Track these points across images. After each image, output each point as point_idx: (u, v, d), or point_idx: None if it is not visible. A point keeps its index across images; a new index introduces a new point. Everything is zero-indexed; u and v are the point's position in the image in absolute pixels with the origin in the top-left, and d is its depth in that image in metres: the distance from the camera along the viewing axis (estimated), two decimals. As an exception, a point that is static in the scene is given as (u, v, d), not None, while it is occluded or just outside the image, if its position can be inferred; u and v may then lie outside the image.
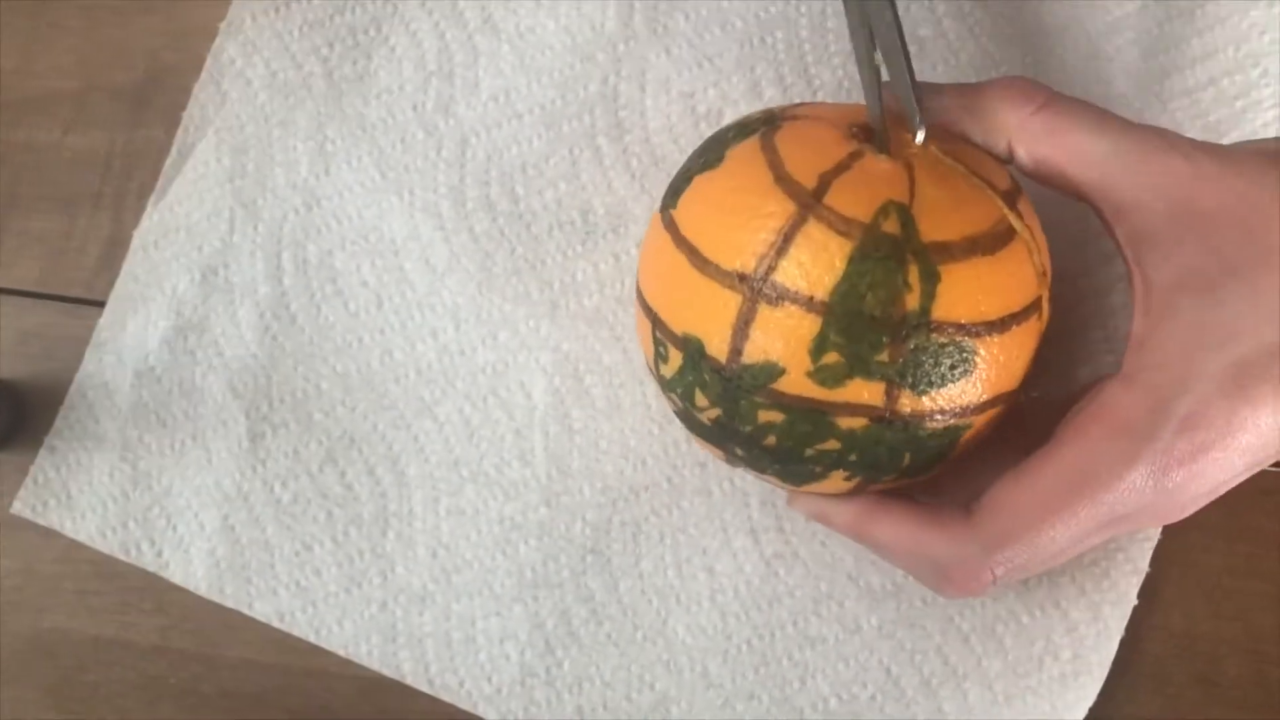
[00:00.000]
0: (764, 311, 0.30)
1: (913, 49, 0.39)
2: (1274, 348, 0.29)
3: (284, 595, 0.39)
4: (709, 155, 0.33)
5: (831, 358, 0.29)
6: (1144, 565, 0.37)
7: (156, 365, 0.40)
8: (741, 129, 0.33)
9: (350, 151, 0.41)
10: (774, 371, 0.30)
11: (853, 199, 0.30)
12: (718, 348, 0.30)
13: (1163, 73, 0.39)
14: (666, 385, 0.33)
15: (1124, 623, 0.37)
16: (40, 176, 0.42)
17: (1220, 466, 0.30)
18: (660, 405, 0.39)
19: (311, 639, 0.39)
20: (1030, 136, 0.32)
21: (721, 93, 0.40)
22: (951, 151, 0.32)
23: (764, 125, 0.33)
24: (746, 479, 0.39)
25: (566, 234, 0.40)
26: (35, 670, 0.40)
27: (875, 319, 0.29)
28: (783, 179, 0.31)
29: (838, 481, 0.32)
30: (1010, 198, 0.32)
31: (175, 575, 0.40)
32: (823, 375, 0.30)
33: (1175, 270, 0.30)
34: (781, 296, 0.30)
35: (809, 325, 0.29)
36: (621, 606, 0.39)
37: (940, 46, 0.40)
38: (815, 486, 0.33)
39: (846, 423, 0.30)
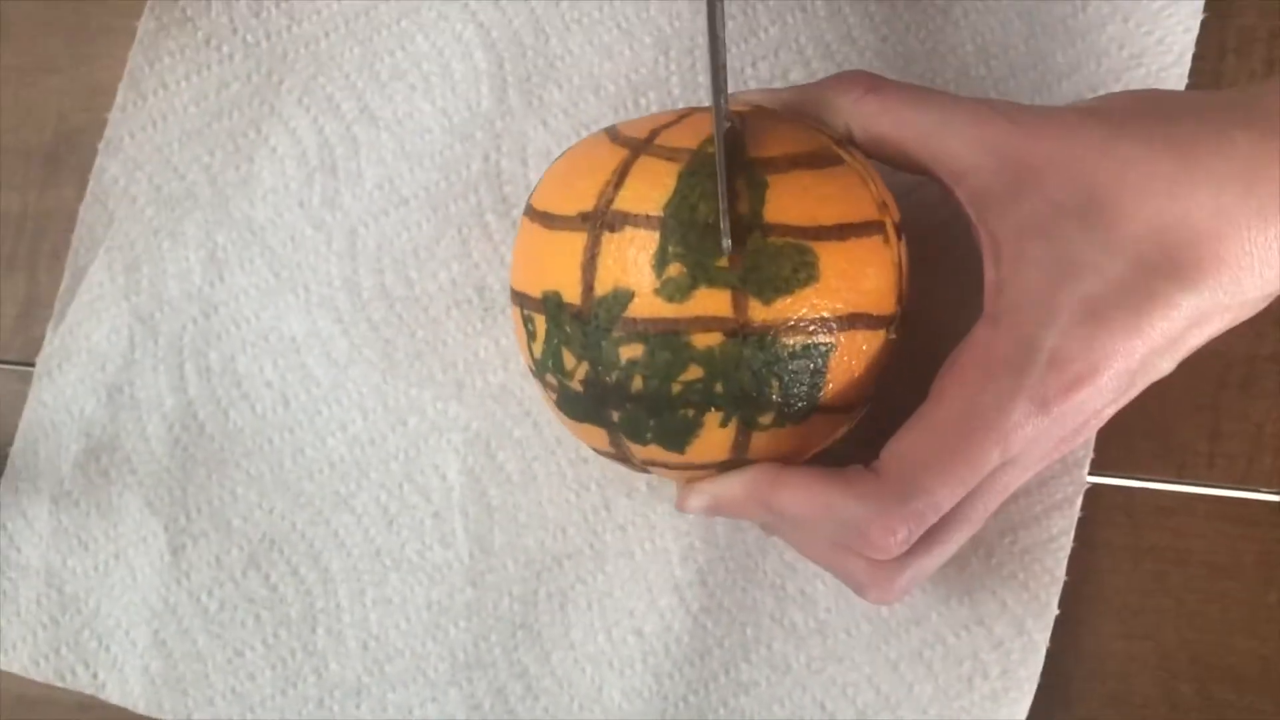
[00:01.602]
0: (606, 240, 0.31)
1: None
2: (1118, 278, 0.30)
3: (221, 704, 0.39)
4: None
5: (674, 269, 0.30)
6: (1061, 574, 0.37)
7: (73, 489, 0.40)
8: None
9: (242, 255, 0.41)
10: (624, 297, 0.31)
11: (681, 136, 0.32)
12: (571, 292, 0.31)
13: (1041, 85, 0.40)
14: (538, 367, 0.33)
15: (1048, 633, 0.37)
16: None
17: (1098, 394, 0.31)
18: (576, 473, 0.39)
19: (253, 745, 0.39)
20: (864, 117, 0.33)
21: (601, 157, 0.41)
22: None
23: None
24: (666, 537, 0.39)
25: (465, 313, 0.40)
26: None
27: (709, 226, 0.30)
28: (618, 138, 0.33)
29: (715, 432, 0.32)
30: (839, 143, 0.33)
31: (112, 696, 0.40)
32: (669, 290, 0.30)
33: (1016, 221, 0.31)
34: (621, 222, 0.31)
35: (649, 242, 0.31)
36: (556, 679, 0.39)
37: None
38: (696, 446, 0.33)
39: (702, 340, 0.31)
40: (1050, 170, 0.31)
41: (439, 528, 0.40)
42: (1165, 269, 0.30)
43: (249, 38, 0.42)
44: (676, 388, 0.31)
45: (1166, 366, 0.32)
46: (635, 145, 0.32)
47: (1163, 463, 0.38)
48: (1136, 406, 0.33)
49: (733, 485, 0.34)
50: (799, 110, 0.35)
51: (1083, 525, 0.37)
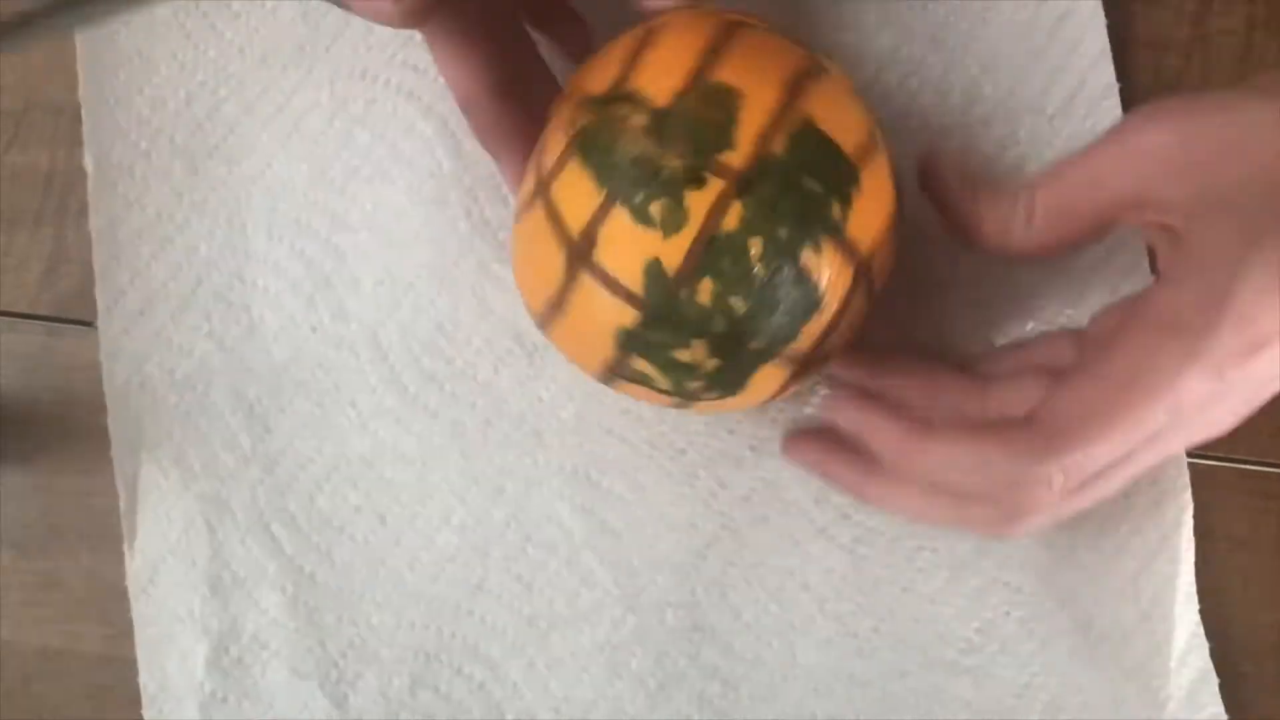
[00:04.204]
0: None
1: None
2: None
3: (446, 827, 0.39)
4: None
5: None
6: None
7: (216, 689, 0.40)
8: None
9: (278, 401, 0.41)
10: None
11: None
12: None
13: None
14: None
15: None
16: None
17: (1274, 362, 0.30)
18: (679, 467, 0.39)
19: None
20: (1036, 234, 0.33)
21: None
22: None
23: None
24: (792, 491, 0.39)
25: (512, 365, 0.40)
26: (-16, 686, 0.40)
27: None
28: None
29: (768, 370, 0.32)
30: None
31: None
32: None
33: (1195, 189, 0.31)
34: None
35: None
36: (747, 663, 0.39)
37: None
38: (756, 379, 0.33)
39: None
40: (1226, 150, 0.31)
41: (576, 572, 0.39)
42: None
43: (195, 197, 0.41)
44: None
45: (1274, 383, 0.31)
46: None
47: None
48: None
49: (885, 430, 0.34)
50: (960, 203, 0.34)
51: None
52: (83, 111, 0.41)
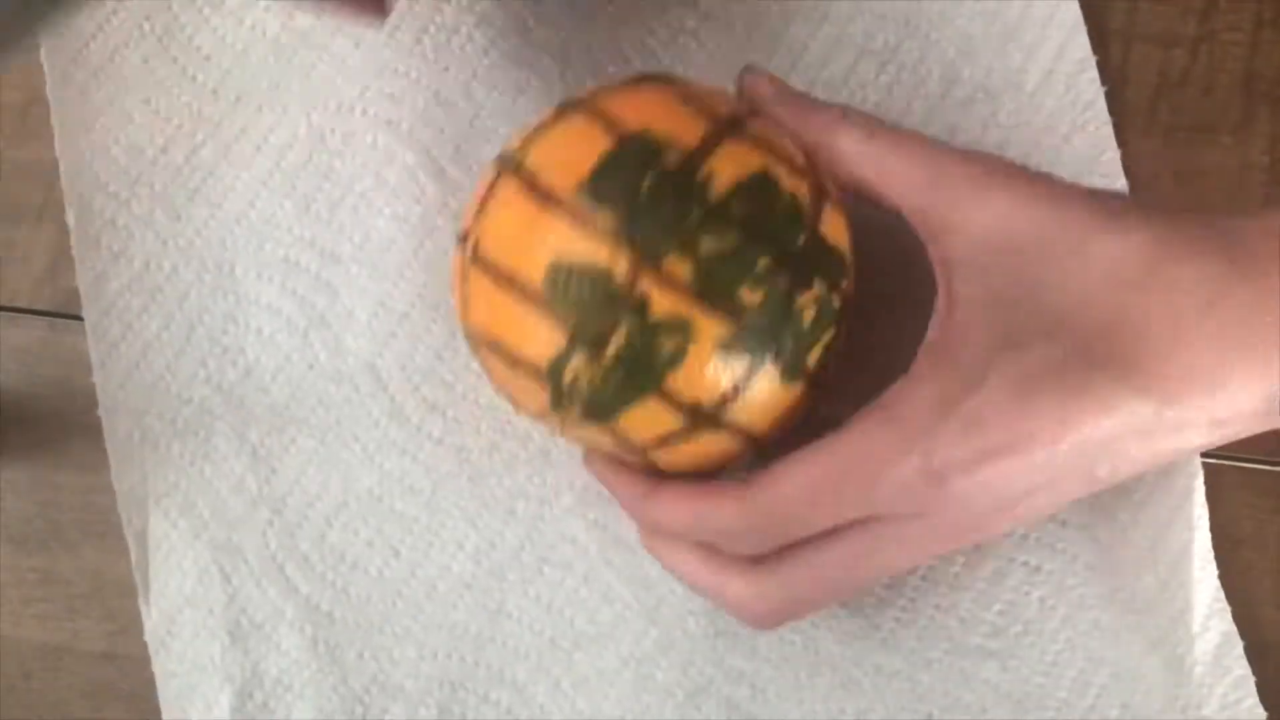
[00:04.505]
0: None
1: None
2: (1058, 362, 0.29)
3: None
4: None
5: None
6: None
7: (241, 736, 0.39)
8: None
9: (281, 442, 0.40)
10: None
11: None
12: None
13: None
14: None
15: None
16: None
17: (1007, 478, 0.30)
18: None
19: None
20: (854, 162, 0.33)
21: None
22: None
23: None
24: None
25: (512, 386, 0.40)
26: (-15, 682, 0.40)
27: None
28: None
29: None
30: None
31: None
32: None
33: (981, 289, 0.31)
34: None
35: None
36: (773, 664, 0.39)
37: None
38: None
39: None
40: (1030, 247, 0.31)
41: (595, 589, 0.39)
42: (1110, 367, 0.29)
43: (180, 243, 0.41)
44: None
45: (1103, 474, 0.31)
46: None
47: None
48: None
49: (623, 483, 0.35)
50: (786, 120, 0.34)
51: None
52: (60, 168, 0.41)
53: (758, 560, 0.33)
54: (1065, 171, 0.39)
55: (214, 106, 0.42)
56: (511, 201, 0.32)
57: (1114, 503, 0.38)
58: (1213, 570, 0.38)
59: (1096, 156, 0.40)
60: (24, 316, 0.42)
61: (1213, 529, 0.38)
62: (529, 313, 0.31)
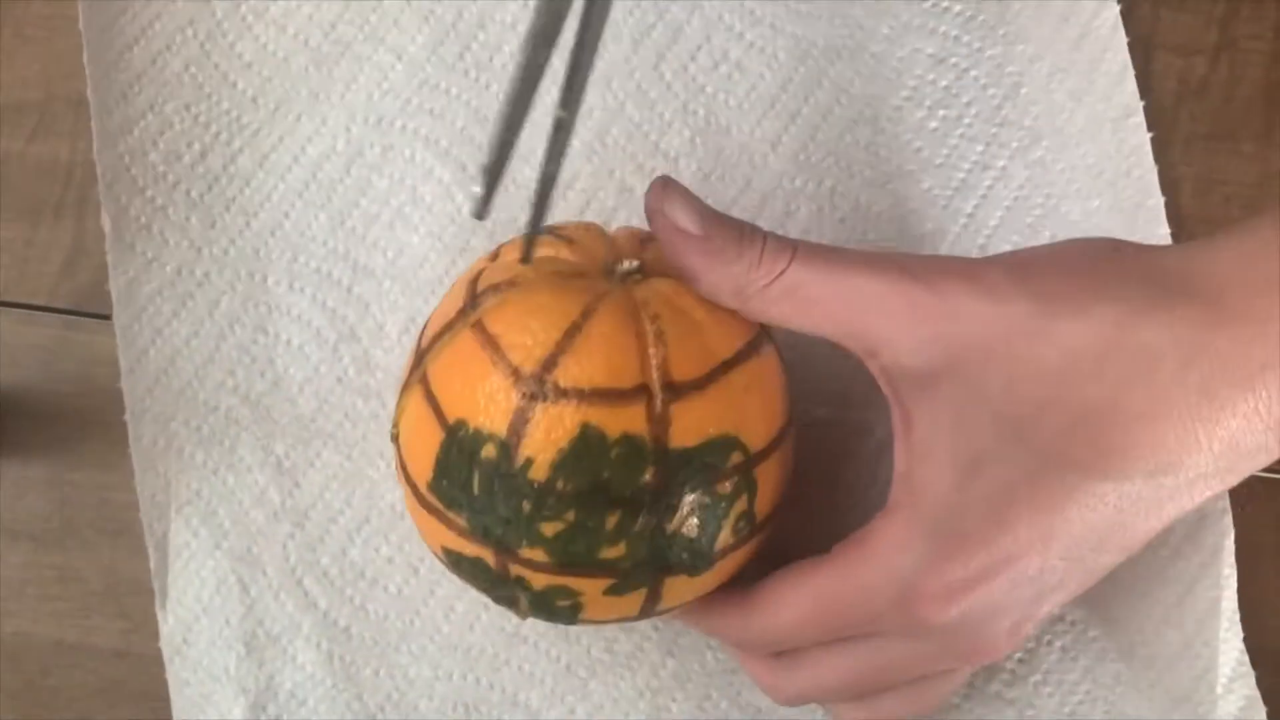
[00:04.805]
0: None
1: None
2: (1031, 475, 0.28)
3: None
4: None
5: None
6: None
7: (252, 749, 0.39)
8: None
9: (306, 454, 0.40)
10: None
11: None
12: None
13: None
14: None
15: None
16: (4, 185, 0.42)
17: (995, 601, 0.29)
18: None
19: None
20: (765, 303, 0.31)
21: (597, 208, 0.40)
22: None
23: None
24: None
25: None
26: None
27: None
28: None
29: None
30: None
31: None
32: None
33: (930, 403, 0.29)
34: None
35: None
36: (789, 702, 0.38)
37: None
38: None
39: None
40: (972, 352, 0.29)
41: (613, 617, 0.39)
42: (1085, 461, 0.28)
43: (214, 250, 0.41)
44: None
45: (1109, 560, 0.30)
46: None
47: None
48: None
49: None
50: (681, 261, 0.31)
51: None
52: (98, 170, 0.41)
53: (776, 655, 0.34)
54: (1108, 218, 0.39)
55: (253, 114, 0.42)
56: (418, 418, 0.32)
57: (1141, 556, 0.37)
58: (1238, 631, 0.37)
59: (1140, 203, 0.40)
60: (41, 314, 0.42)
61: (1238, 539, 0.37)
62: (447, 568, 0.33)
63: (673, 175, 0.34)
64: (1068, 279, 0.29)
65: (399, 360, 0.40)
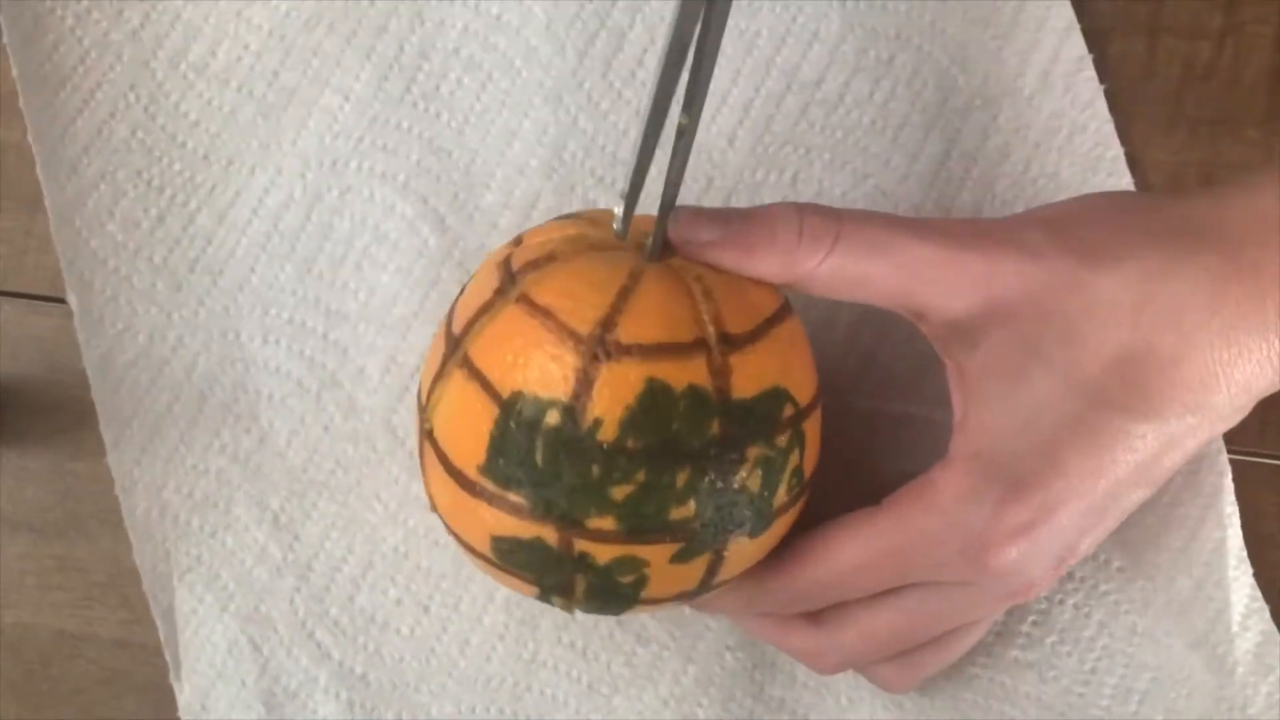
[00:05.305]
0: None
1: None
2: (1077, 418, 0.30)
3: None
4: None
5: None
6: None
7: (285, 807, 0.39)
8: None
9: (302, 506, 0.40)
10: None
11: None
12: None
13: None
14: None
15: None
16: (3, 175, 0.42)
17: (1049, 542, 0.31)
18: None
19: None
20: (813, 282, 0.32)
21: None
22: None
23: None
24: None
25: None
26: None
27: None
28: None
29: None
30: None
31: None
32: None
33: (983, 357, 0.31)
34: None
35: None
36: (813, 689, 0.39)
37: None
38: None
39: None
40: (1020, 306, 0.31)
41: (629, 631, 0.39)
42: (1127, 402, 0.30)
43: (184, 314, 0.41)
44: None
45: (1140, 496, 0.32)
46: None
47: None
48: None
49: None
50: (727, 252, 0.32)
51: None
52: (57, 249, 0.41)
53: (814, 618, 0.34)
54: (1071, 173, 0.39)
55: (206, 172, 0.41)
56: (462, 401, 0.31)
57: (1142, 509, 0.38)
58: (1247, 568, 0.37)
59: (1100, 155, 0.40)
60: (44, 304, 0.41)
61: (1242, 528, 0.38)
62: (488, 566, 0.32)
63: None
64: (1101, 233, 0.31)
65: (384, 401, 0.40)
